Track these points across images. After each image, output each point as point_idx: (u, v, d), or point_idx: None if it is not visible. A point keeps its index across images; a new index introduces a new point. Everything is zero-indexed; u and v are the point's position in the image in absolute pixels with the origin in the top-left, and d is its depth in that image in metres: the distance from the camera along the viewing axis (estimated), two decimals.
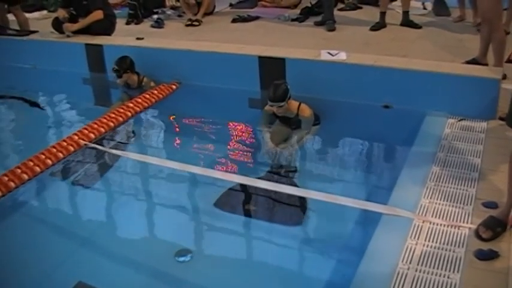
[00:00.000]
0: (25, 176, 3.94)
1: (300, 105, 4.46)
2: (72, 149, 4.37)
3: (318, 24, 6.80)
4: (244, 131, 5.02)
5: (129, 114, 5.06)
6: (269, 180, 3.88)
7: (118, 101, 5.54)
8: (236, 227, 3.61)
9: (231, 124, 5.15)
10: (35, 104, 5.76)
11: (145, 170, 4.39)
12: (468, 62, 4.83)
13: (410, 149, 3.91)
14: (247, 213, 3.75)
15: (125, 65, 5.35)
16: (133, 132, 5.13)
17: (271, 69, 5.07)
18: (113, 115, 4.95)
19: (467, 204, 3.12)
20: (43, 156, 4.17)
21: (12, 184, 3.83)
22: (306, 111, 4.46)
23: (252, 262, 3.36)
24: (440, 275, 2.57)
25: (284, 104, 4.32)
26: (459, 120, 4.27)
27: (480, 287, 2.48)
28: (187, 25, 7.22)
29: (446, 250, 2.74)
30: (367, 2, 7.68)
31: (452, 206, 3.12)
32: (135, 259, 3.27)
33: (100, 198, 4.10)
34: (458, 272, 2.58)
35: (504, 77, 4.42)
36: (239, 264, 3.27)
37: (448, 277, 2.55)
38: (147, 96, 5.34)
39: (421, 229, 2.92)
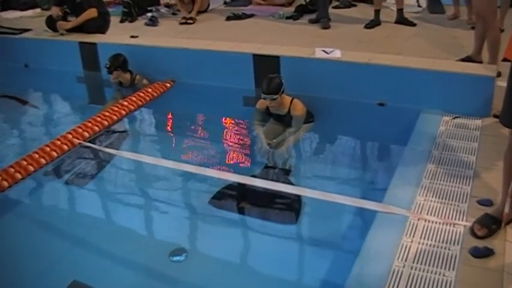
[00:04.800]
0: (18, 175, 3.92)
1: (292, 100, 4.46)
2: (66, 147, 4.35)
3: (312, 22, 6.78)
4: (239, 129, 5.01)
5: (123, 112, 5.04)
6: (264, 178, 3.87)
7: (112, 99, 5.52)
8: (231, 226, 3.61)
9: (226, 122, 5.14)
10: (27, 103, 5.73)
11: (140, 168, 4.37)
12: (462, 60, 4.83)
13: (405, 146, 3.91)
14: (242, 212, 3.74)
15: (117, 62, 5.35)
16: (127, 130, 5.12)
17: (266, 67, 5.06)
18: (107, 114, 4.93)
19: (462, 202, 3.12)
20: (37, 155, 4.15)
21: (5, 183, 3.81)
22: (298, 107, 4.46)
23: (247, 261, 3.35)
24: (435, 273, 2.57)
25: (277, 97, 4.32)
26: (454, 118, 4.27)
27: (475, 284, 2.48)
28: (181, 23, 7.19)
29: (441, 248, 2.74)
30: (361, 0, 7.67)
31: (447, 203, 3.12)
32: (129, 258, 3.26)
33: (94, 197, 4.09)
34: (453, 269, 2.58)
35: (499, 74, 4.41)
36: (234, 263, 3.26)
37: (444, 275, 2.55)
38: (141, 94, 5.32)
39: (416, 227, 2.92)
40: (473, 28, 5.30)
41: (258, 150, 4.38)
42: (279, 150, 4.34)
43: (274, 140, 4.42)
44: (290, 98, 4.46)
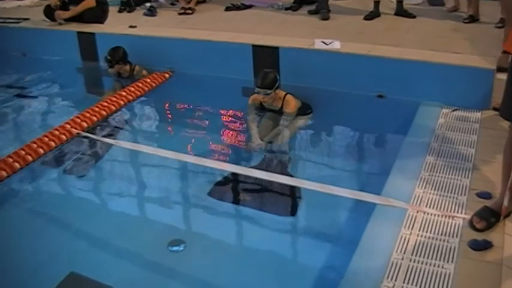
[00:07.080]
0: (17, 165, 3.92)
1: (285, 96, 4.44)
2: (64, 138, 4.35)
3: (312, 13, 6.76)
4: (238, 119, 4.99)
5: (122, 102, 5.04)
6: (263, 169, 3.86)
7: (110, 89, 5.51)
8: (230, 217, 3.61)
9: (224, 113, 5.12)
10: (25, 94, 5.71)
11: (138, 159, 4.36)
12: None
13: (404, 139, 3.91)
14: (241, 203, 3.74)
15: (118, 56, 5.34)
16: (126, 121, 5.10)
17: (265, 58, 5.05)
18: (106, 104, 4.92)
19: (461, 195, 3.12)
20: (35, 145, 4.14)
21: (3, 173, 3.81)
22: (291, 104, 4.45)
23: (245, 252, 3.35)
24: (434, 265, 2.57)
25: (271, 93, 4.32)
26: (453, 110, 4.27)
27: (474, 277, 2.48)
28: (180, 13, 7.16)
29: (440, 240, 2.74)
30: None
31: (446, 196, 3.12)
32: (128, 249, 3.25)
33: (92, 187, 4.08)
34: (452, 262, 2.58)
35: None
36: (232, 254, 3.26)
37: (442, 267, 2.55)
38: (140, 84, 5.31)
39: (415, 219, 2.93)
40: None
41: (252, 146, 4.34)
42: (276, 143, 4.32)
43: (268, 136, 4.39)
44: (284, 93, 4.45)
